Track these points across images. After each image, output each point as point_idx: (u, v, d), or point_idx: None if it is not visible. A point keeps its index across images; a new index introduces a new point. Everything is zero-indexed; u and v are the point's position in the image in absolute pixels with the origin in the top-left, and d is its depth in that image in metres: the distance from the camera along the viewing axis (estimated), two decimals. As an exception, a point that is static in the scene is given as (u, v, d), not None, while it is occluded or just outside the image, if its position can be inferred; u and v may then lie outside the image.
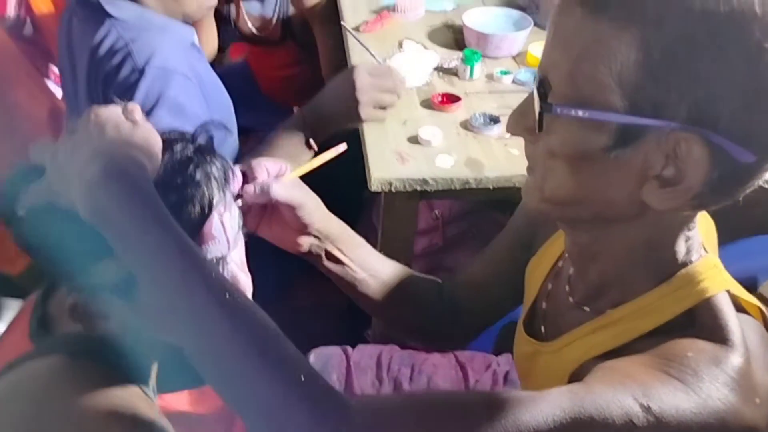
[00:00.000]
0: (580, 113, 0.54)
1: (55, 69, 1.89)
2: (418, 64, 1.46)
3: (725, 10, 0.48)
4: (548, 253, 0.79)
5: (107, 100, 1.09)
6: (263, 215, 0.79)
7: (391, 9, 1.64)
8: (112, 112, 0.62)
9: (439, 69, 1.45)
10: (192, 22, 1.23)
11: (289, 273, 1.58)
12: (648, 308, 0.61)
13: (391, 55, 1.48)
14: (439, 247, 1.64)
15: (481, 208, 1.69)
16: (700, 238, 0.63)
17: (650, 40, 0.50)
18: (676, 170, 0.53)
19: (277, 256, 1.35)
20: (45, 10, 1.88)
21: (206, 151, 0.68)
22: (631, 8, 0.50)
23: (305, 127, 1.13)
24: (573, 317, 0.69)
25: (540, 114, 0.56)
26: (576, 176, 0.57)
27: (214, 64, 2.07)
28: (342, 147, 0.83)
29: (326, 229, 0.81)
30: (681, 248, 0.61)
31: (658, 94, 0.50)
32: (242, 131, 1.32)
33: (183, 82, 1.07)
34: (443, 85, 1.40)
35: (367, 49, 1.43)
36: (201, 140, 0.68)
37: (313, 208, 0.78)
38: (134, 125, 0.62)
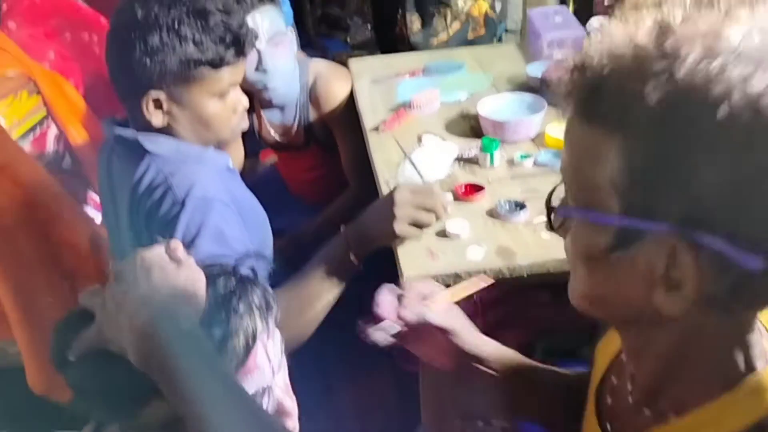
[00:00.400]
0: (580, 214, 0.56)
1: (94, 196, 1.98)
2: (438, 156, 1.49)
3: (707, 113, 0.48)
4: (613, 339, 0.78)
5: (150, 235, 1.15)
6: (416, 335, 0.81)
7: (408, 106, 1.70)
8: (156, 254, 0.66)
9: (460, 159, 1.49)
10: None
11: (333, 374, 1.58)
12: (712, 419, 0.58)
13: (412, 151, 1.53)
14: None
15: (522, 288, 1.67)
16: (765, 343, 0.60)
17: (632, 145, 0.51)
18: (677, 274, 0.52)
19: (318, 359, 1.36)
20: (81, 141, 1.99)
21: (248, 281, 0.71)
22: (614, 115, 0.52)
23: (348, 245, 1.15)
24: (635, 420, 0.67)
25: (548, 213, 0.59)
26: (592, 276, 0.59)
27: (246, 170, 2.16)
28: (488, 280, 0.90)
29: (478, 352, 0.83)
30: (739, 355, 0.58)
31: (647, 197, 0.51)
32: (276, 233, 1.36)
33: (222, 209, 1.11)
34: (465, 175, 1.43)
35: (409, 158, 1.47)
36: (243, 272, 0.71)
37: (466, 334, 0.81)
38: (179, 265, 0.65)
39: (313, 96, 1.90)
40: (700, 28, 0.50)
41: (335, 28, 5.28)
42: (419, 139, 1.58)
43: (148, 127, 1.18)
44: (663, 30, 0.51)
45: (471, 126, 1.62)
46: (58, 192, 1.66)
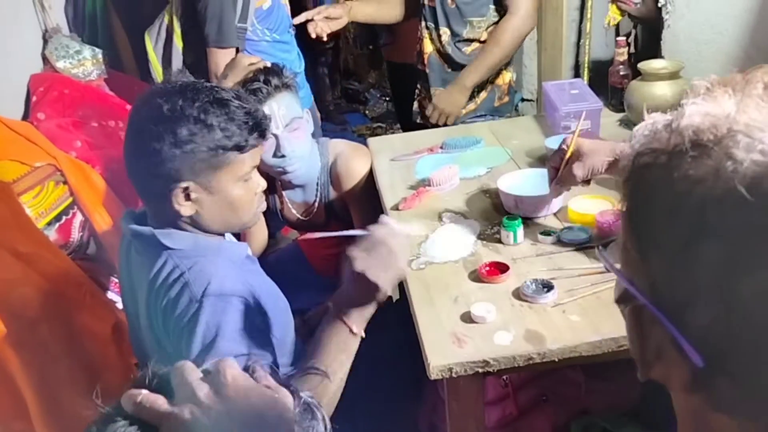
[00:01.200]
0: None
1: (117, 281, 1.99)
2: (460, 235, 1.48)
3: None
4: None
5: (167, 329, 1.13)
6: None
7: (427, 183, 1.70)
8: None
9: (482, 236, 1.47)
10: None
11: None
12: None
13: (433, 230, 1.51)
14: (514, 417, 1.56)
15: (554, 368, 1.62)
16: None
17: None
18: (652, 344, 0.52)
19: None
20: (105, 227, 2.02)
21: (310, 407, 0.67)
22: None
23: (342, 319, 1.12)
24: None
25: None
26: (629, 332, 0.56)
27: (269, 248, 2.17)
28: None
29: None
30: None
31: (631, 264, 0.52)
32: (299, 311, 1.35)
33: (239, 305, 1.10)
34: (489, 254, 1.40)
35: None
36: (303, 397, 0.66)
37: None
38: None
39: (333, 174, 1.91)
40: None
41: (354, 102, 5.42)
42: (440, 218, 1.57)
43: (169, 220, 1.19)
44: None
45: (492, 202, 1.61)
46: (81, 281, 1.67)
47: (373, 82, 5.67)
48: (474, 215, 1.57)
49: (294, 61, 2.32)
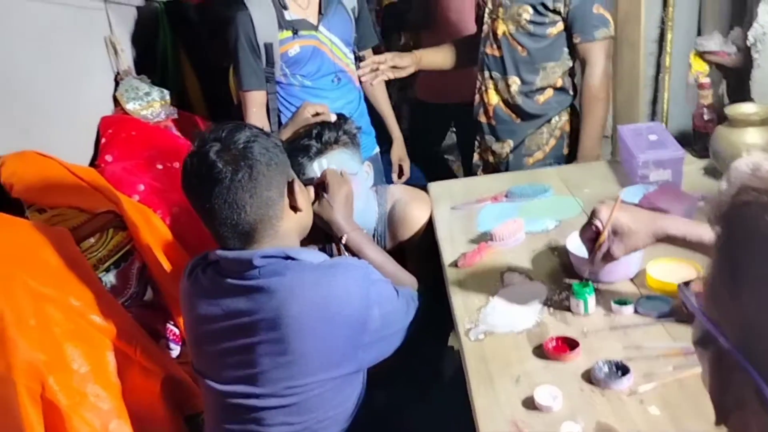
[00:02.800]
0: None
1: (173, 328, 1.97)
2: (524, 301, 1.36)
3: None
4: None
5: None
6: None
7: (489, 238, 1.59)
8: None
9: (549, 303, 1.34)
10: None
11: None
12: None
13: (494, 293, 1.40)
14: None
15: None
16: None
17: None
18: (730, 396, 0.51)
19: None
20: (164, 272, 2.00)
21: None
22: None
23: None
24: None
25: None
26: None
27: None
28: None
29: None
30: None
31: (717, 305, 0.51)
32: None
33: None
34: (556, 325, 1.27)
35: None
36: None
37: None
38: None
39: (390, 223, 1.83)
40: None
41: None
42: (501, 278, 1.46)
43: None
44: None
45: (561, 262, 1.48)
46: (134, 334, 1.64)
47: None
48: (540, 276, 1.44)
49: (341, 110, 2.28)
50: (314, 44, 2.20)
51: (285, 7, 2.15)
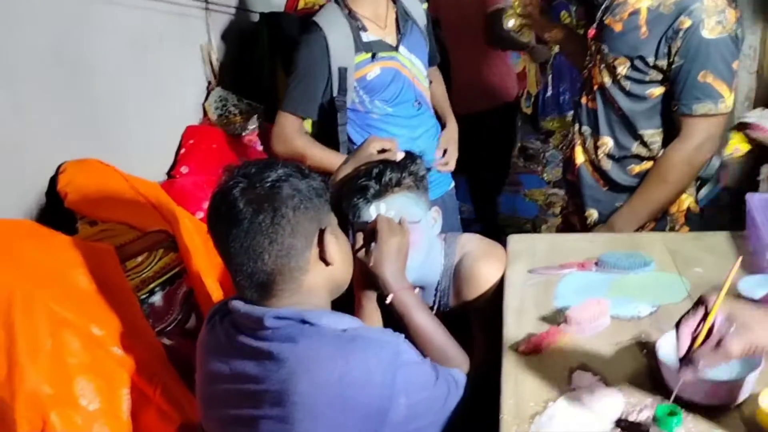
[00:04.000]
0: None
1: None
2: (593, 413, 1.07)
3: None
4: None
5: None
6: None
7: (563, 320, 1.31)
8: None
9: (623, 423, 1.05)
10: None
11: None
12: None
13: (556, 396, 1.12)
14: None
15: None
16: None
17: None
18: None
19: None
20: (213, 297, 1.88)
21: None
22: None
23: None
24: None
25: None
26: None
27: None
28: None
29: None
30: None
31: None
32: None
33: None
34: (627, 456, 0.98)
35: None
36: None
37: None
38: None
39: (456, 278, 1.59)
40: None
41: (533, 162, 5.01)
42: (570, 377, 1.17)
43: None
44: None
45: (649, 365, 1.17)
46: (157, 371, 1.52)
47: (557, 143, 5.25)
48: (620, 381, 1.14)
49: (419, 138, 2.07)
50: (395, 66, 2.01)
51: (364, 29, 1.97)
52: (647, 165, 1.65)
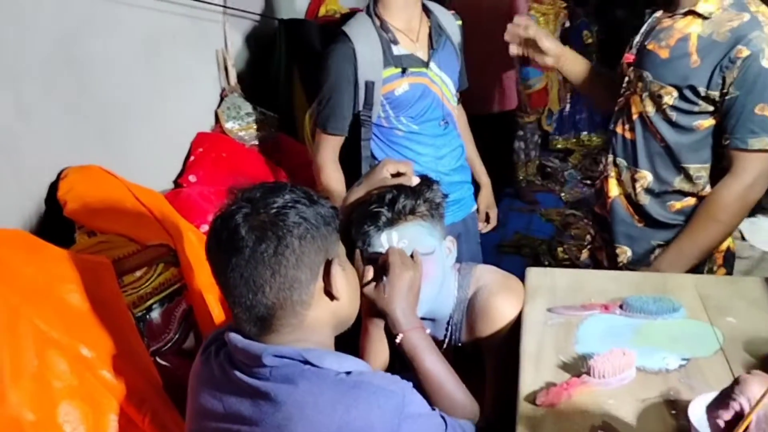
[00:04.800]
0: None
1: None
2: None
3: None
4: None
5: None
6: None
7: (585, 370, 1.21)
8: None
9: (651, 497, 0.95)
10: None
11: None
12: None
13: (576, 460, 1.02)
14: None
15: None
16: None
17: None
18: None
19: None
20: (213, 315, 1.80)
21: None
22: None
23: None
24: None
25: None
26: None
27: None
28: None
29: None
30: None
31: None
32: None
33: None
34: None
35: None
36: None
37: None
38: None
39: (469, 312, 1.50)
40: None
41: (550, 181, 4.89)
42: (591, 437, 1.07)
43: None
44: None
45: (679, 427, 1.07)
46: (147, 398, 1.43)
47: (575, 162, 5.13)
48: (645, 444, 1.05)
49: (443, 158, 1.99)
50: (424, 82, 1.93)
51: (395, 41, 1.88)
52: (689, 201, 1.55)
